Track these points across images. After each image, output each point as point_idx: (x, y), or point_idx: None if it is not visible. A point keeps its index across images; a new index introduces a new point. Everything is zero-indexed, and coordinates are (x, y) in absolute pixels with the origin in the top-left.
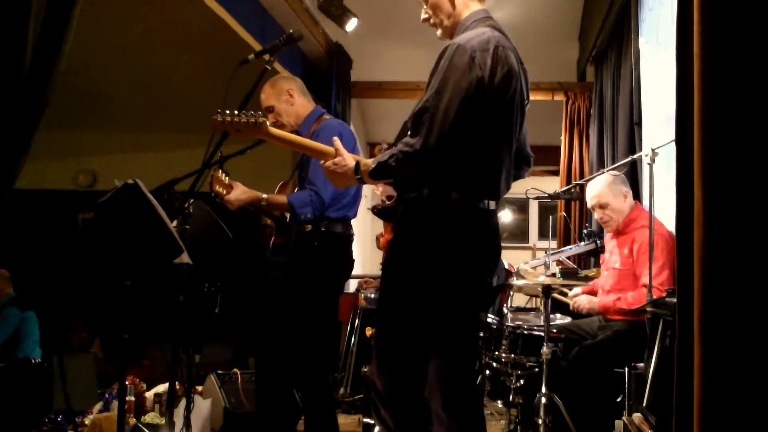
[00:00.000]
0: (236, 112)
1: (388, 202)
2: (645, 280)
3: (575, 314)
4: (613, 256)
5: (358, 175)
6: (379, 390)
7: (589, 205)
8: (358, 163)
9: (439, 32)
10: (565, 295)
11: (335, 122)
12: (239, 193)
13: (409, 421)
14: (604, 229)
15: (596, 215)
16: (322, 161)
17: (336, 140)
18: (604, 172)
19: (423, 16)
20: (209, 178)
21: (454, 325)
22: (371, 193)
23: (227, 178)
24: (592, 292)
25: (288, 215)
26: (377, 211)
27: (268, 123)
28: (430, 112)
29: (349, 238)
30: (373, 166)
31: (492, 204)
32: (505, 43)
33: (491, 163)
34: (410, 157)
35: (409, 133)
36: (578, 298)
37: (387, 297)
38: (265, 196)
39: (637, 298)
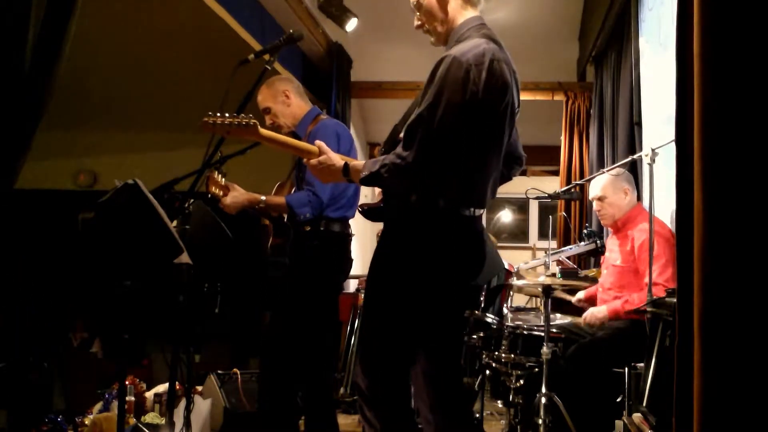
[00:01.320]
0: (227, 114)
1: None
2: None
3: (575, 314)
4: (613, 253)
5: (347, 176)
6: (364, 391)
7: (590, 197)
8: (347, 165)
9: (432, 39)
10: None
11: (332, 122)
12: (236, 195)
13: (396, 422)
14: (604, 229)
15: (595, 206)
16: (305, 159)
17: (319, 142)
18: (604, 172)
19: (416, 23)
20: (205, 180)
21: (439, 327)
22: (371, 192)
23: (223, 179)
24: (594, 296)
25: (285, 216)
26: (363, 210)
27: (258, 124)
28: (424, 125)
29: (348, 237)
30: (364, 174)
31: (477, 211)
32: (500, 56)
33: (478, 173)
34: (402, 170)
35: (401, 137)
36: (586, 315)
37: (372, 299)
38: (263, 198)
39: (643, 298)
